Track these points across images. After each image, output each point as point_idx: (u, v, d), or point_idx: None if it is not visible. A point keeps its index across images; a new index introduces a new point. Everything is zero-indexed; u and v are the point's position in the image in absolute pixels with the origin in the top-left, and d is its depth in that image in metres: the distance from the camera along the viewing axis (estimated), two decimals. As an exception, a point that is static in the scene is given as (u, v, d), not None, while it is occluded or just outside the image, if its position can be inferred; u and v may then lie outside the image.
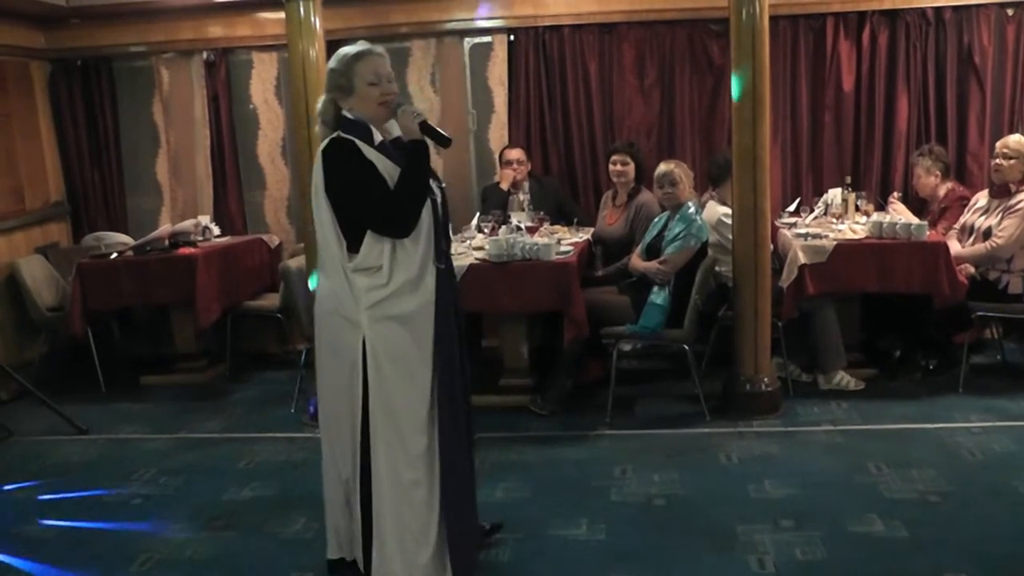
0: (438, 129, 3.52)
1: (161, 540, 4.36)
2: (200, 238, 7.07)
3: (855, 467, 4.78)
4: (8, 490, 5.10)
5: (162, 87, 7.74)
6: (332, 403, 3.55)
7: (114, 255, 6.81)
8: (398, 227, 3.38)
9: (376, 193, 3.34)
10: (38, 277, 7.13)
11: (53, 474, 5.31)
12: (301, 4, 5.54)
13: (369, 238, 3.37)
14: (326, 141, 3.43)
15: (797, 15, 7.04)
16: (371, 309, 3.38)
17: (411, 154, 3.42)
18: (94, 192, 7.90)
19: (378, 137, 3.46)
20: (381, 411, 3.42)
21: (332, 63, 3.48)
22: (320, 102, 3.52)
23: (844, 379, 6.01)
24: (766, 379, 5.64)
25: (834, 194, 6.52)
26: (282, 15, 5.60)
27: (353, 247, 3.39)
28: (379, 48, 3.52)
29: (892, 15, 6.99)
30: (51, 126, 7.81)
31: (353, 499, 3.54)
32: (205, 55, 7.62)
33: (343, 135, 3.40)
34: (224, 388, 6.88)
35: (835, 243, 5.78)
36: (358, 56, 3.45)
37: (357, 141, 3.38)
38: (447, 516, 3.52)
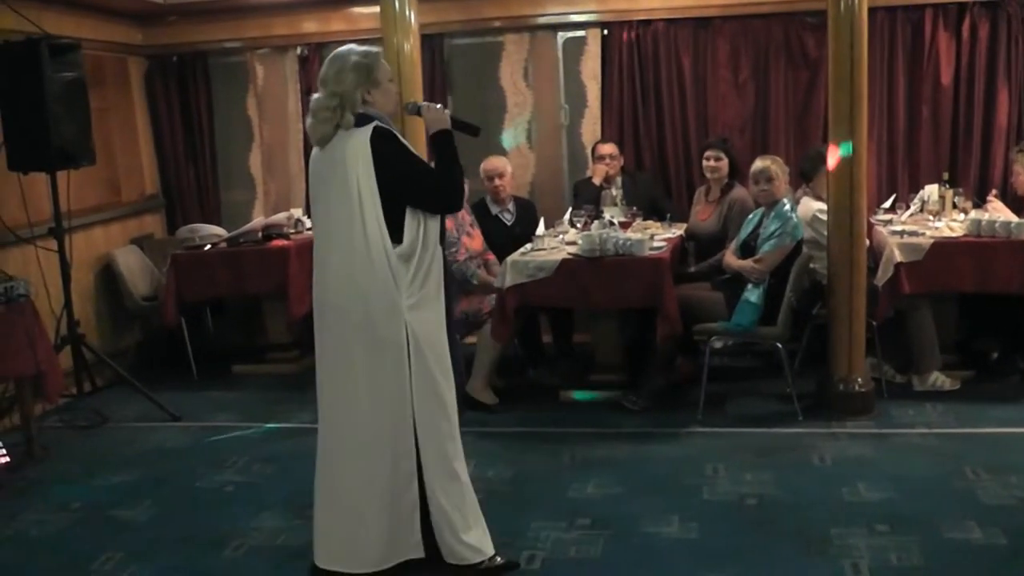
0: (466, 120, 3.82)
1: (253, 527, 4.43)
2: (293, 231, 7.13)
3: (951, 471, 4.67)
4: (103, 474, 5.22)
5: (256, 82, 7.86)
6: (372, 400, 3.52)
7: (208, 247, 6.93)
8: (456, 201, 3.71)
9: (430, 175, 3.57)
10: (133, 267, 7.29)
11: (147, 460, 5.43)
12: (396, -2, 5.56)
13: (410, 222, 3.46)
14: (370, 130, 3.43)
15: (895, 7, 6.88)
16: (410, 295, 3.46)
17: (444, 140, 3.61)
18: (188, 185, 8.04)
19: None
20: (426, 396, 3.51)
21: (359, 57, 3.49)
22: (338, 95, 3.45)
23: (939, 380, 5.86)
24: (860, 379, 5.53)
25: (931, 191, 6.35)
26: (376, 9, 5.63)
27: (395, 236, 3.44)
28: None
29: (993, 6, 6.79)
30: (147, 120, 7.97)
31: (404, 498, 3.55)
32: (299, 50, 7.71)
33: (381, 125, 3.48)
34: (315, 379, 6.88)
35: (932, 241, 5.66)
36: (378, 54, 3.59)
37: (393, 129, 3.53)
38: None
